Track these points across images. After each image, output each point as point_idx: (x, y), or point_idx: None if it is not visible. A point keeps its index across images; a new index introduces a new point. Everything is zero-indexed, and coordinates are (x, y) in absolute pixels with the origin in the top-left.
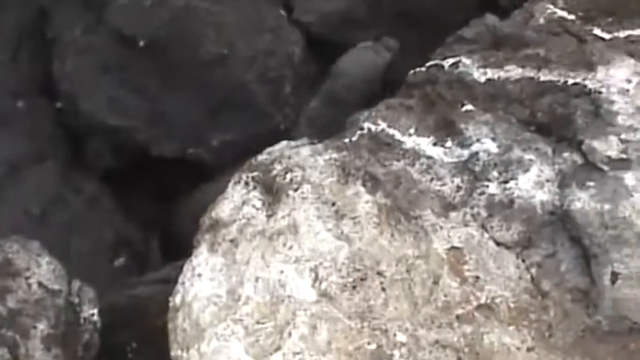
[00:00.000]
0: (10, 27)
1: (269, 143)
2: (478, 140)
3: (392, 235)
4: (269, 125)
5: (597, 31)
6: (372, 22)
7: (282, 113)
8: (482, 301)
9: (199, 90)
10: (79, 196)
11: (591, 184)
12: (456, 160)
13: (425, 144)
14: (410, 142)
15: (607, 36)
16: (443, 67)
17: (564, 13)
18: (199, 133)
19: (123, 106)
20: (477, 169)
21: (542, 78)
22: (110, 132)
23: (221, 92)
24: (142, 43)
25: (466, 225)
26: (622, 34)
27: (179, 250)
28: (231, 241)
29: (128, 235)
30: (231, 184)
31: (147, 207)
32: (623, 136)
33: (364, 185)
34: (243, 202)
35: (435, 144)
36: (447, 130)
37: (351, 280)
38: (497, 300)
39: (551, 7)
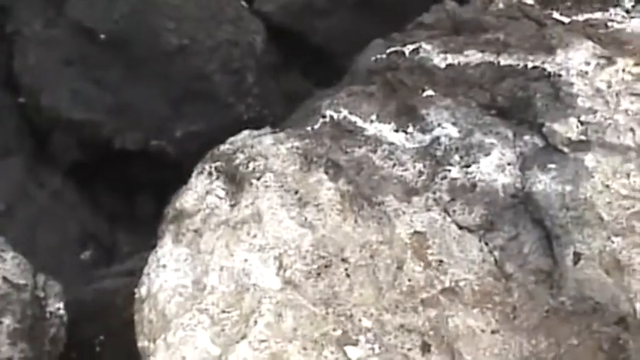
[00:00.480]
0: None
1: (233, 133)
2: (439, 125)
3: (355, 221)
4: (232, 115)
5: (556, 15)
6: (333, 11)
7: (245, 103)
8: (447, 284)
9: (161, 82)
10: (44, 191)
11: (552, 166)
12: (417, 145)
13: (387, 130)
14: (372, 128)
15: (566, 20)
16: (404, 53)
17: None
18: (162, 125)
19: (85, 99)
20: (439, 153)
21: (502, 62)
22: (73, 126)
23: (183, 83)
24: (103, 36)
25: (429, 209)
26: (580, 17)
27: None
28: (195, 231)
29: (94, 228)
30: (194, 175)
31: (112, 199)
32: (582, 118)
33: (327, 172)
34: (207, 192)
35: (396, 130)
36: (408, 115)
37: (315, 267)
38: (461, 283)
39: None
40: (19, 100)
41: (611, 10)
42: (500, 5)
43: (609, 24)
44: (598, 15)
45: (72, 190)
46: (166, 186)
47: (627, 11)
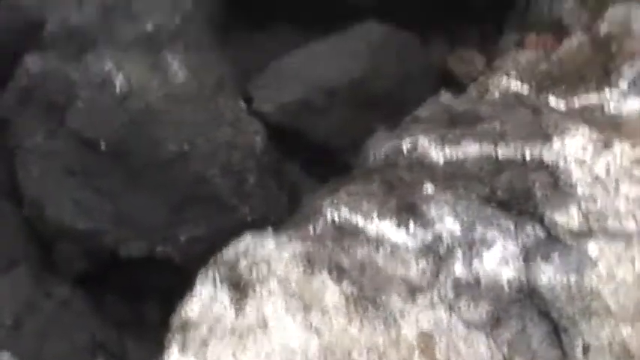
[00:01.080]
0: None
1: (237, 236)
2: (440, 221)
3: (361, 323)
4: (236, 218)
5: (552, 101)
6: (330, 107)
7: (248, 205)
8: None
9: (163, 188)
10: (51, 301)
11: (555, 257)
12: (419, 242)
13: (388, 228)
14: (373, 227)
15: (562, 105)
16: (401, 149)
17: (518, 85)
18: (166, 231)
19: (88, 208)
20: (442, 250)
21: (500, 153)
22: (78, 235)
23: (184, 189)
24: (103, 146)
25: (434, 308)
26: (576, 100)
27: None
28: (202, 340)
29: (103, 337)
30: (198, 282)
31: (120, 307)
32: (583, 207)
33: (330, 275)
34: (212, 300)
35: (398, 228)
36: (408, 212)
37: None
38: None
39: (505, 80)
40: (23, 211)
41: (607, 92)
42: (496, 94)
43: (605, 106)
44: (594, 98)
45: (79, 298)
46: (173, 291)
47: (623, 92)
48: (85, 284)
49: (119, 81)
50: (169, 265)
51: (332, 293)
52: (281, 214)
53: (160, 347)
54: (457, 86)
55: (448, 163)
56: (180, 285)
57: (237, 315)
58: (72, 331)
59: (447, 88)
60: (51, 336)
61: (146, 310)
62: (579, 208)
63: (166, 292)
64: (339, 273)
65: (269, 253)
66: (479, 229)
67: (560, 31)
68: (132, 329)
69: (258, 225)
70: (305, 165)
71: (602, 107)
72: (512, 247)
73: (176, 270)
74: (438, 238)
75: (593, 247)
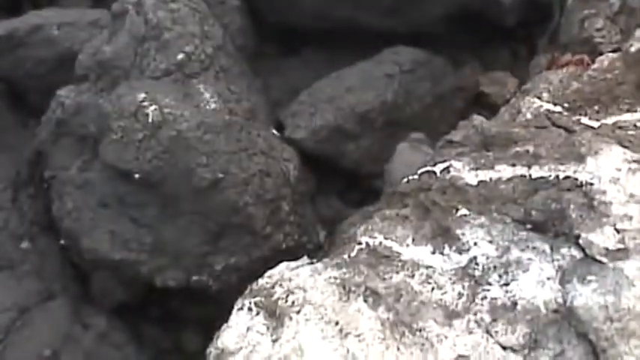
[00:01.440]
0: (8, 170)
1: (272, 264)
2: (475, 244)
3: (398, 349)
4: (271, 246)
5: (585, 120)
6: (362, 133)
7: (283, 232)
8: None
9: (198, 217)
10: (89, 333)
11: (592, 277)
12: (455, 266)
13: (423, 253)
14: (408, 252)
15: (595, 124)
16: (435, 173)
17: (550, 106)
18: (202, 260)
19: (124, 239)
20: (477, 273)
21: (534, 175)
22: (114, 266)
23: (219, 217)
24: (137, 176)
25: (470, 332)
26: (609, 120)
27: None
28: None
29: None
30: (234, 311)
31: (158, 337)
32: (618, 226)
33: (365, 301)
34: (248, 329)
35: (433, 252)
36: (443, 236)
37: None
38: None
39: (537, 100)
40: (60, 242)
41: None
42: (528, 115)
43: (638, 124)
44: (627, 116)
45: (117, 330)
46: (211, 320)
47: None
48: (123, 314)
49: (151, 111)
50: (206, 294)
51: (368, 319)
52: (316, 241)
53: None
54: (490, 108)
55: (482, 185)
56: (218, 313)
57: (273, 343)
58: None
59: (479, 109)
60: None
61: (184, 339)
62: (615, 227)
63: (204, 320)
64: (374, 299)
65: (304, 280)
66: (514, 252)
67: (592, 50)
68: (170, 359)
69: (293, 252)
70: (339, 191)
71: (635, 125)
72: (548, 269)
73: (213, 298)
74: (474, 261)
75: (629, 267)
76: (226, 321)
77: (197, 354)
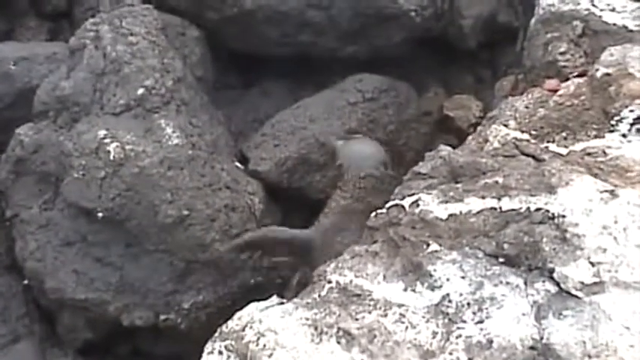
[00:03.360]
0: None
1: (241, 300)
2: (448, 280)
3: None
4: (239, 282)
5: (553, 147)
6: (327, 163)
7: (251, 268)
8: None
9: (164, 255)
10: None
11: (568, 312)
12: (428, 303)
13: (395, 291)
14: (379, 290)
15: (563, 151)
16: (403, 207)
17: (517, 134)
18: (169, 299)
19: (89, 278)
20: (451, 311)
21: (504, 207)
22: (80, 306)
23: (186, 254)
24: (100, 215)
25: None
26: (578, 147)
27: None
28: None
29: None
30: (204, 356)
31: None
32: (593, 259)
33: (339, 342)
34: None
35: (405, 289)
36: (415, 273)
37: None
38: None
39: (504, 128)
40: (24, 282)
41: (608, 136)
42: (496, 144)
43: (607, 151)
44: (595, 142)
45: None
46: (179, 358)
47: (624, 135)
48: (91, 354)
49: (113, 148)
50: (174, 332)
51: None
52: (285, 276)
53: None
54: (455, 132)
55: (452, 219)
56: (188, 350)
57: None
58: None
59: (444, 134)
60: None
61: None
62: (589, 260)
63: (173, 358)
64: (347, 340)
65: (275, 322)
66: (488, 288)
67: (557, 73)
68: None
69: (262, 288)
70: (306, 221)
71: (604, 152)
72: (523, 304)
73: (182, 336)
74: (447, 298)
75: (606, 301)
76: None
77: None
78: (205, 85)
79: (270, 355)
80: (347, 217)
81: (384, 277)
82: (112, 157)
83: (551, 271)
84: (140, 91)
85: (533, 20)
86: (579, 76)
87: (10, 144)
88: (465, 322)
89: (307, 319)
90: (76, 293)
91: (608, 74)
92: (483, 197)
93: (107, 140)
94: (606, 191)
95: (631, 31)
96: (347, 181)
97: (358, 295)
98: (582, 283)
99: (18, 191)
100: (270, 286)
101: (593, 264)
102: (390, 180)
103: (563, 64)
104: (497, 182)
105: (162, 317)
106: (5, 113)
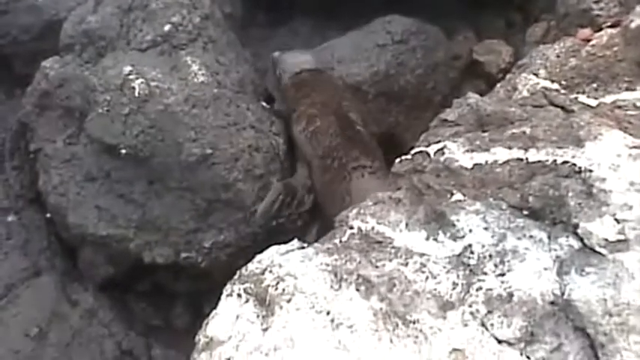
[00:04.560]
0: None
1: (261, 241)
2: (470, 231)
3: (391, 341)
4: (260, 222)
5: (583, 99)
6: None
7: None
8: None
9: (186, 193)
10: (76, 309)
11: (591, 269)
12: (449, 254)
13: (416, 239)
14: (401, 238)
15: (593, 102)
16: (428, 154)
17: (547, 83)
18: (190, 237)
19: (111, 215)
20: (472, 262)
21: (531, 158)
22: (101, 242)
23: (208, 193)
24: (124, 152)
25: (465, 325)
26: (608, 99)
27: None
28: (228, 359)
29: (129, 345)
30: (223, 297)
31: (146, 313)
32: (618, 216)
33: (358, 290)
34: (237, 317)
35: (426, 238)
36: (437, 222)
37: None
38: None
39: (534, 77)
40: (46, 216)
41: (639, 89)
42: (525, 93)
43: (638, 104)
44: (626, 95)
45: (105, 307)
46: (199, 296)
47: None
48: (111, 290)
49: (138, 84)
50: (194, 270)
51: (360, 309)
52: (307, 218)
53: (188, 353)
54: (484, 77)
55: (477, 168)
56: (207, 288)
57: (263, 332)
58: (98, 340)
59: (473, 79)
60: (77, 345)
61: (173, 315)
62: (614, 217)
63: (193, 296)
64: (367, 287)
65: (295, 267)
66: (510, 240)
67: (590, 22)
68: (159, 335)
69: (283, 230)
70: None
71: (634, 105)
72: (545, 259)
73: (202, 274)
74: (469, 249)
75: (630, 259)
76: (215, 303)
77: (187, 328)
78: (233, 23)
79: (289, 301)
80: (314, 136)
81: (407, 225)
82: (136, 94)
83: (576, 226)
84: (167, 27)
85: None
86: (612, 26)
87: (36, 77)
88: (485, 274)
89: (327, 264)
90: (97, 229)
91: None
92: (510, 147)
93: (132, 76)
94: (635, 147)
95: None
96: (287, 91)
97: (379, 243)
98: (606, 240)
99: (42, 125)
100: (292, 228)
101: (618, 221)
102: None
103: (596, 12)
104: (524, 132)
105: (183, 255)
106: (32, 45)
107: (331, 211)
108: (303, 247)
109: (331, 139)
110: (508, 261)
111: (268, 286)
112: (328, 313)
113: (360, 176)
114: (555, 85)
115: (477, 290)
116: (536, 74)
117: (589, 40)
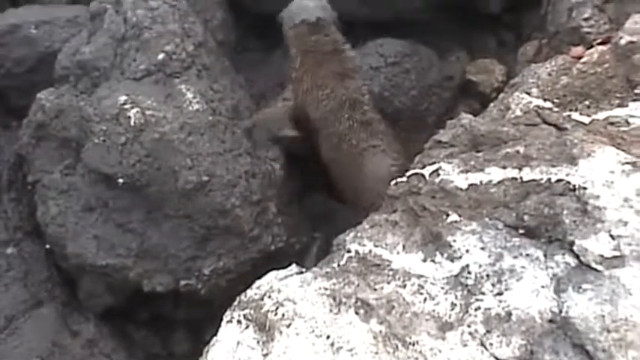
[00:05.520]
0: None
1: (261, 266)
2: (467, 251)
3: None
4: (259, 248)
5: (575, 116)
6: None
7: (271, 234)
8: None
9: (184, 220)
10: (77, 340)
11: (587, 286)
12: (447, 274)
13: (414, 261)
14: (398, 260)
15: (586, 120)
16: (424, 175)
17: (540, 102)
18: (189, 264)
19: (110, 244)
20: (470, 282)
21: (525, 177)
22: (101, 271)
23: (206, 220)
24: (121, 181)
25: (465, 345)
26: (600, 115)
27: None
28: None
29: None
30: (223, 324)
31: (147, 341)
32: (613, 232)
33: (357, 313)
34: (238, 343)
35: (424, 260)
36: (434, 243)
37: None
38: None
39: (527, 96)
40: (45, 247)
41: (631, 105)
42: (518, 112)
43: (630, 120)
44: (618, 111)
45: (106, 336)
46: (199, 323)
47: None
48: (111, 319)
49: (133, 114)
50: (195, 297)
51: (360, 332)
52: (305, 240)
53: None
54: (478, 97)
55: (472, 189)
56: (208, 317)
57: (264, 358)
58: None
59: (467, 99)
60: None
61: (174, 343)
62: (610, 233)
63: (193, 324)
64: (366, 311)
65: (294, 291)
66: (507, 259)
67: (580, 39)
68: None
69: (282, 254)
70: (327, 187)
71: (627, 121)
72: (542, 277)
73: (202, 302)
74: (466, 269)
75: (626, 275)
76: (216, 330)
77: (187, 358)
78: (226, 49)
79: (289, 325)
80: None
81: (404, 247)
82: (132, 123)
83: (572, 243)
84: (161, 56)
85: None
86: (603, 43)
87: (32, 108)
88: (483, 293)
89: (326, 288)
90: (96, 259)
91: (632, 42)
92: (504, 167)
93: (127, 106)
94: (628, 163)
95: None
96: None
97: (377, 265)
98: (602, 256)
99: (39, 156)
100: (290, 252)
101: (613, 237)
102: (333, 29)
103: (586, 30)
104: (518, 152)
105: (182, 283)
106: (26, 77)
107: (345, 183)
108: (301, 272)
109: (340, 122)
110: (505, 280)
111: (268, 311)
112: (328, 337)
113: (371, 155)
114: (548, 104)
115: (476, 310)
116: (528, 93)
117: (581, 58)
